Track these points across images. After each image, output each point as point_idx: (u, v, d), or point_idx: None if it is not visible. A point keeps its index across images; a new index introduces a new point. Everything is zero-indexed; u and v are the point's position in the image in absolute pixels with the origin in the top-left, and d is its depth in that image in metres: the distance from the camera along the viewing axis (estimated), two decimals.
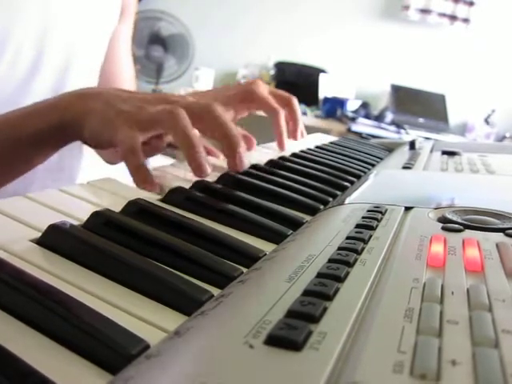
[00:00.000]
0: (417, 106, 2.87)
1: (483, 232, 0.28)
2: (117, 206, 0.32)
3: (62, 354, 0.18)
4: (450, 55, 3.02)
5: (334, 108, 2.73)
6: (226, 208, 0.35)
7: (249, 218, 0.34)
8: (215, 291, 0.23)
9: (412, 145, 0.73)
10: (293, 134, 0.63)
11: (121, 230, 0.28)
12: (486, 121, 2.91)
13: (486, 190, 0.45)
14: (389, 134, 2.46)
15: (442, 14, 2.96)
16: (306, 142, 0.66)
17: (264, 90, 0.58)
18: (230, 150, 0.42)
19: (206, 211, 0.35)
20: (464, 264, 0.23)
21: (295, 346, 0.16)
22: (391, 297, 0.20)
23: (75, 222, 0.29)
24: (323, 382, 0.14)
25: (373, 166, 0.61)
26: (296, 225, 0.35)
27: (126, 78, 0.75)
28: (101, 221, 0.29)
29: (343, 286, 0.21)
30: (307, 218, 0.37)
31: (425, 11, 2.96)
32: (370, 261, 0.24)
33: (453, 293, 0.20)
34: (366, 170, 0.56)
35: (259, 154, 0.57)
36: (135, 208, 0.32)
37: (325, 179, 0.48)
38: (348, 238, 0.27)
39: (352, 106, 2.75)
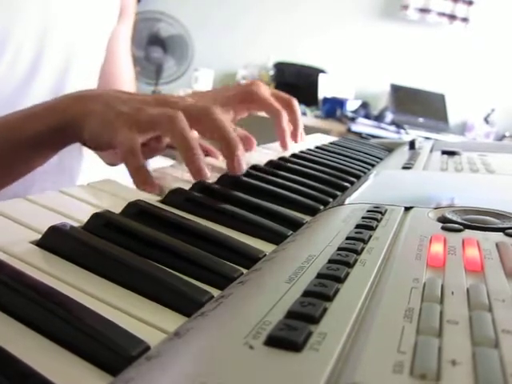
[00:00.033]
0: (416, 105, 2.87)
1: (483, 232, 0.28)
2: (117, 208, 0.32)
3: (63, 356, 0.18)
4: (450, 55, 3.02)
5: (333, 108, 2.73)
6: (225, 209, 0.35)
7: (249, 218, 0.34)
8: (215, 292, 0.23)
9: (412, 145, 0.73)
10: (293, 137, 0.63)
11: (121, 232, 0.28)
12: (486, 120, 2.91)
13: (485, 189, 0.45)
14: (388, 133, 2.46)
15: (441, 14, 2.96)
16: (306, 142, 0.66)
17: (265, 91, 0.58)
18: (229, 153, 0.42)
19: (205, 212, 0.35)
20: (464, 264, 0.23)
21: (295, 346, 0.16)
22: (391, 297, 0.20)
23: (75, 224, 0.29)
24: (323, 382, 0.14)
25: (373, 166, 0.61)
26: (296, 225, 0.35)
27: (126, 79, 0.75)
28: (101, 222, 0.29)
29: (343, 287, 0.21)
30: (307, 218, 0.37)
31: (424, 11, 2.96)
32: (370, 261, 0.24)
33: (453, 293, 0.20)
34: (365, 171, 0.57)
35: (259, 155, 0.57)
36: (135, 209, 0.32)
37: (325, 180, 0.48)
38: (348, 238, 0.27)
39: (352, 106, 2.75)
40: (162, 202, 0.37)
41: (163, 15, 3.04)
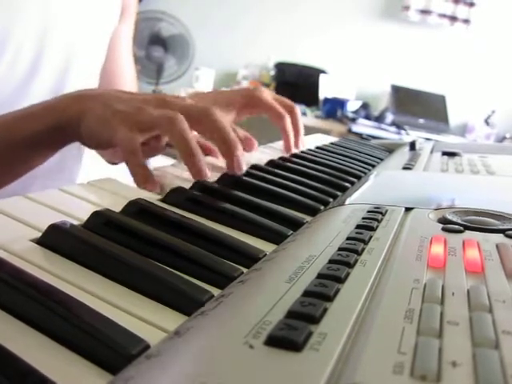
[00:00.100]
0: (417, 106, 2.88)
1: (483, 233, 0.28)
2: (117, 206, 0.32)
3: (62, 354, 0.18)
4: (450, 56, 3.02)
5: (334, 109, 2.73)
6: (226, 208, 0.35)
7: (249, 218, 0.34)
8: (215, 291, 0.23)
9: (412, 145, 0.73)
10: (294, 143, 0.63)
11: (121, 230, 0.28)
12: (486, 121, 2.91)
13: (486, 190, 0.45)
14: (389, 134, 2.46)
15: (443, 15, 2.96)
16: (306, 142, 0.66)
17: (268, 95, 0.59)
18: (228, 154, 0.42)
19: (206, 211, 0.35)
20: (464, 265, 0.23)
21: (295, 346, 0.16)
22: (391, 298, 0.20)
23: (75, 222, 0.29)
24: (323, 382, 0.14)
25: (373, 166, 0.61)
26: (296, 225, 0.35)
27: (128, 79, 0.75)
28: (101, 221, 0.29)
29: (343, 287, 0.21)
30: (307, 218, 0.37)
31: (425, 12, 2.96)
32: (371, 261, 0.24)
33: (453, 294, 0.20)
34: (366, 171, 0.56)
35: (259, 155, 0.57)
36: (135, 208, 0.32)
37: (325, 180, 0.48)
38: (348, 238, 0.27)
39: (352, 106, 2.75)
40: (162, 200, 0.37)
41: (164, 15, 3.04)
